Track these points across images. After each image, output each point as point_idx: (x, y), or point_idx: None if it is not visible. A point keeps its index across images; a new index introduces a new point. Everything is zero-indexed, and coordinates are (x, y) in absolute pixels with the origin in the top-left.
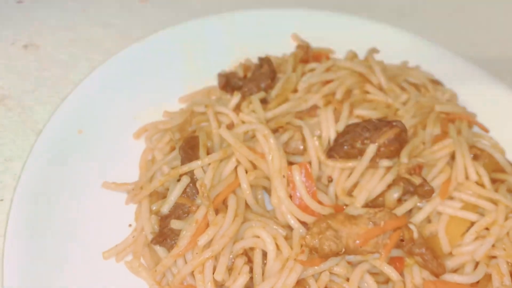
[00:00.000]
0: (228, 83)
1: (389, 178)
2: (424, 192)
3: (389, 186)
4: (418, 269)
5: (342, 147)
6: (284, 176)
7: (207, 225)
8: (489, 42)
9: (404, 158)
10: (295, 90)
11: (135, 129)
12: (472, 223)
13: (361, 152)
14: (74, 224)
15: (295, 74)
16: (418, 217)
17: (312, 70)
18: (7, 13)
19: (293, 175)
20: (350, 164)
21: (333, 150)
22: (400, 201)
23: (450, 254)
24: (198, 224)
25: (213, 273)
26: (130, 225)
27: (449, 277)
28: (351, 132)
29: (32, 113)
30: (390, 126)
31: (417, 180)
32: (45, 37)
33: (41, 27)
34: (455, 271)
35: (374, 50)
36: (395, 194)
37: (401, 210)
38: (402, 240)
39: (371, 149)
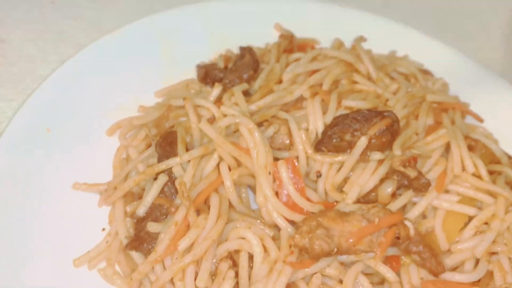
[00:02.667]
0: (208, 75)
1: (382, 171)
2: (420, 185)
3: (382, 180)
4: (416, 268)
5: (331, 139)
6: (270, 173)
7: (188, 227)
8: (475, 32)
9: (397, 150)
10: (279, 81)
11: (108, 126)
12: (470, 218)
13: (351, 145)
14: (42, 229)
15: (279, 64)
16: (413, 213)
17: (297, 60)
18: None
19: (280, 171)
20: (340, 158)
21: (321, 143)
22: (394, 195)
23: (449, 251)
24: (178, 226)
25: (195, 280)
26: (103, 229)
27: (449, 276)
28: (340, 124)
29: None
30: (381, 117)
31: (412, 173)
32: (11, 30)
33: (6, 19)
34: (454, 269)
35: (361, 39)
36: (388, 189)
37: (395, 205)
38: (398, 238)
39: (362, 142)
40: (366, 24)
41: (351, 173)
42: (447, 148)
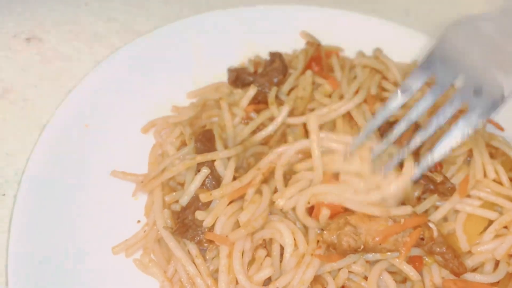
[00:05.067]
0: (238, 78)
1: None
2: (445, 189)
3: None
4: (438, 268)
5: None
6: (309, 203)
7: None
8: None
9: None
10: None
11: (142, 124)
12: (490, 222)
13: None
14: (80, 221)
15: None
16: (437, 215)
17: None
18: (8, 6)
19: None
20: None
21: None
22: (419, 199)
23: (469, 252)
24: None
25: None
26: (139, 221)
27: (470, 276)
28: None
29: (35, 107)
30: None
31: (438, 178)
32: (48, 30)
33: (44, 20)
34: (474, 270)
35: (379, 50)
36: (415, 192)
37: (420, 208)
38: (422, 239)
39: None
40: (388, 33)
41: None
42: (469, 154)
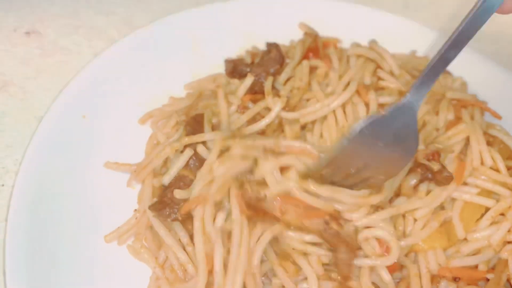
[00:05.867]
0: (235, 69)
1: (408, 165)
2: (443, 178)
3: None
4: (433, 255)
5: None
6: None
7: None
8: (495, 35)
9: (420, 144)
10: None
11: (140, 115)
12: (486, 209)
13: None
14: (77, 210)
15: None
16: (433, 203)
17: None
18: (9, 1)
19: None
20: None
21: None
22: (416, 188)
23: (465, 240)
24: None
25: None
26: (135, 210)
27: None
28: None
29: (34, 100)
30: None
31: (435, 166)
32: (47, 24)
33: (44, 14)
34: None
35: (374, 42)
36: (412, 181)
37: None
38: (327, 223)
39: None
40: (387, 24)
41: None
42: (467, 142)
